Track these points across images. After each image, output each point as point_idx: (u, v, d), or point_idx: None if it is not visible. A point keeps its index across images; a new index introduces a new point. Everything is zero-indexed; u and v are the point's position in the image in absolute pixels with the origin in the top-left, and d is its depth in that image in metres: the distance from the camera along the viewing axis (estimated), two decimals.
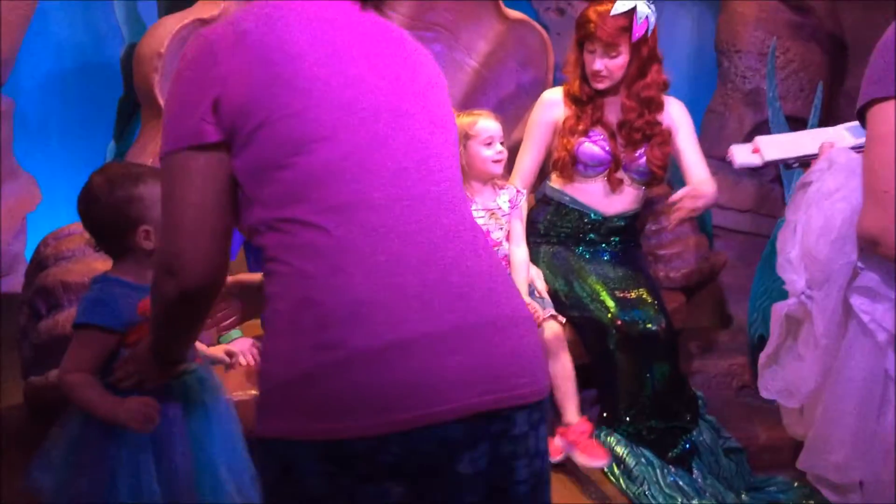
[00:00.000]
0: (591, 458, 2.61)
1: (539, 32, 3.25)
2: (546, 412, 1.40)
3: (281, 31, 1.32)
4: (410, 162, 1.35)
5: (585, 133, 2.84)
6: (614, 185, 2.88)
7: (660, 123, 2.87)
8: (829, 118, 3.92)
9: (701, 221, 3.56)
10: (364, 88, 1.34)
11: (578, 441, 2.62)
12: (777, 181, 3.82)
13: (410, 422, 1.25)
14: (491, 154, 2.65)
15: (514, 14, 3.21)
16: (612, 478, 2.68)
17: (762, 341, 3.65)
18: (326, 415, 1.25)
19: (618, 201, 2.91)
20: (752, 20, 3.79)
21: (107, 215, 1.75)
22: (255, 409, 1.32)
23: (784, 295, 4.01)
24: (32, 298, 2.45)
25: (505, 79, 3.25)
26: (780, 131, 3.67)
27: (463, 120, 2.61)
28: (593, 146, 2.85)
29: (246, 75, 1.29)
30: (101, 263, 2.40)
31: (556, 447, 2.63)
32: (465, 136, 2.61)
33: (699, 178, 2.84)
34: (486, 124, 2.65)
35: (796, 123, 3.72)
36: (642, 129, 2.85)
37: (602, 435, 2.73)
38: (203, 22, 2.71)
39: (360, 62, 1.35)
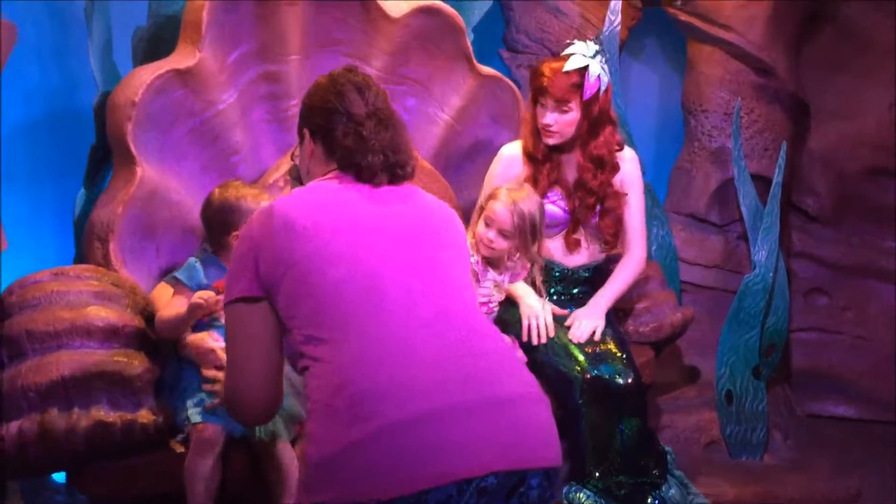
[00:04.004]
0: None
1: (511, 88, 3.30)
2: (558, 483, 1.64)
3: (297, 203, 1.74)
4: (415, 266, 1.69)
5: (543, 194, 2.87)
6: (572, 246, 2.92)
7: (612, 186, 2.91)
8: (792, 177, 4.01)
9: (669, 276, 3.60)
10: (366, 231, 1.71)
11: None
12: (743, 238, 3.88)
13: (442, 476, 1.47)
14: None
15: (487, 70, 3.26)
16: None
17: (730, 397, 3.69)
18: (368, 480, 1.48)
19: (579, 256, 2.97)
20: (717, 81, 3.88)
21: (214, 216, 2.48)
22: (301, 490, 1.58)
23: (751, 351, 4.05)
24: None
25: (477, 133, 3.29)
26: (746, 189, 3.75)
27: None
28: (552, 206, 2.89)
29: (270, 240, 1.69)
30: (68, 312, 2.37)
31: None
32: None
33: (634, 254, 2.96)
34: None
35: (761, 182, 3.80)
36: (596, 192, 2.88)
37: (571, 491, 2.71)
38: (178, 72, 2.72)
39: (358, 213, 1.73)
